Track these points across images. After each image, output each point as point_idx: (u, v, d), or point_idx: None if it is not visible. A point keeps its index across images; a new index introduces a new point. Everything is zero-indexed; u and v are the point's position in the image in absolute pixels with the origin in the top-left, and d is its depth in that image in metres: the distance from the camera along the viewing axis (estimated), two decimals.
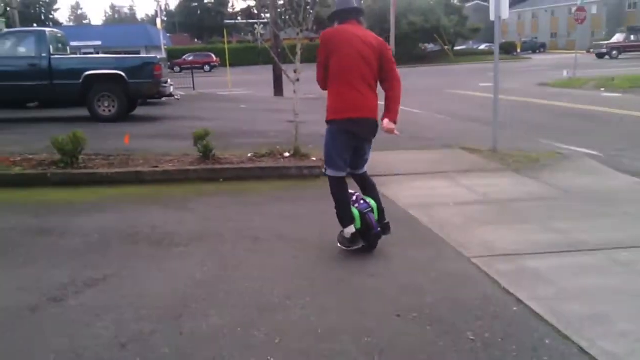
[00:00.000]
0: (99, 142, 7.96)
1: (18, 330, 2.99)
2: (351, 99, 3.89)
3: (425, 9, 45.35)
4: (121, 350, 2.77)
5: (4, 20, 18.78)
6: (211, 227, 4.82)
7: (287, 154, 7.23)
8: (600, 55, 39.95)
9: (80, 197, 5.84)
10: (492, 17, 7.88)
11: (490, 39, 40.15)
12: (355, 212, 4.06)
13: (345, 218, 4.07)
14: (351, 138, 4.01)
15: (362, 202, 4.15)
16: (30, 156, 7.23)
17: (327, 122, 4.05)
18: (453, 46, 50.39)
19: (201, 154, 6.99)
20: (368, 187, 4.30)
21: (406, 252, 4.13)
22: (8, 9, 13.84)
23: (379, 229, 4.08)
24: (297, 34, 7.16)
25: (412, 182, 6.39)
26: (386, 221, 4.23)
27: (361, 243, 4.12)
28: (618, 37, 41.24)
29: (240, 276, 3.72)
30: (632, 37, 40.22)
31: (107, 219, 5.10)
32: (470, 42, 58.31)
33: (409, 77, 28.27)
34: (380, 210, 4.21)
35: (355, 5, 4.12)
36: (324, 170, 4.29)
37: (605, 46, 41.03)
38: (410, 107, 14.24)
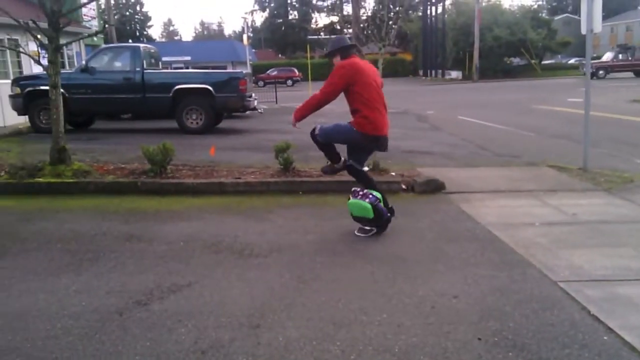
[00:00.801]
0: (186, 153, 8.29)
1: (107, 331, 3.15)
2: (379, 121, 4.90)
3: (511, 22, 44.10)
4: (201, 357, 2.85)
5: (102, 36, 20.05)
6: (290, 239, 4.88)
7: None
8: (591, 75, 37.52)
9: (167, 206, 6.10)
10: (583, 31, 7.54)
11: (581, 53, 38.44)
12: (367, 205, 4.76)
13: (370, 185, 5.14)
14: (372, 147, 5.22)
15: (371, 196, 4.84)
16: (123, 165, 7.65)
17: (361, 132, 4.91)
18: (540, 60, 48.64)
19: (282, 167, 7.12)
20: (371, 181, 5.25)
21: (489, 273, 4.00)
22: (106, 25, 14.79)
23: (388, 214, 4.94)
24: (380, 48, 7.17)
25: (494, 200, 6.19)
26: (390, 206, 5.07)
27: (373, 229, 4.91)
28: (608, 56, 38.47)
29: (317, 289, 3.74)
30: (621, 56, 37.55)
31: (191, 227, 5.29)
32: (559, 56, 56.08)
33: (493, 92, 27.59)
34: (384, 197, 5.00)
35: (351, 42, 5.23)
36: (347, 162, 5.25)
37: (592, 65, 38.80)
38: (493, 122, 13.88)
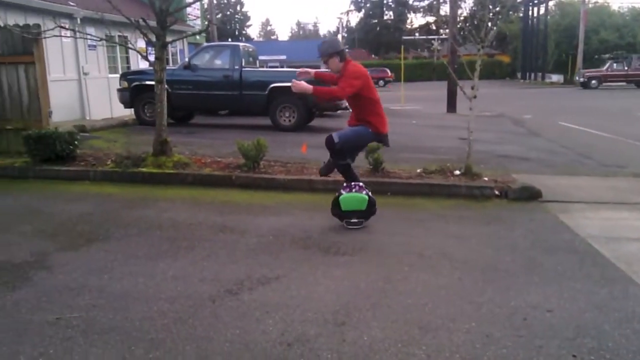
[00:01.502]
0: (278, 150, 8.49)
1: (199, 317, 3.29)
2: (385, 120, 5.32)
3: (620, 25, 41.48)
4: (287, 350, 2.91)
5: (204, 34, 20.93)
6: (377, 239, 4.88)
7: (457, 172, 7.06)
8: (584, 85, 35.16)
9: (259, 200, 6.27)
10: None
11: None
12: (365, 197, 5.12)
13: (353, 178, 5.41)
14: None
15: (364, 188, 5.23)
16: (219, 159, 7.95)
17: (374, 133, 5.26)
18: None
19: (371, 167, 7.11)
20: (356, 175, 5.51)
21: (587, 288, 3.79)
22: (208, 24, 15.44)
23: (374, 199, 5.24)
24: (478, 50, 6.97)
25: (596, 212, 5.85)
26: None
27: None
28: (608, 65, 35.58)
29: (403, 291, 3.71)
30: (615, 66, 35.64)
31: (281, 222, 5.41)
32: None
33: (598, 98, 26.08)
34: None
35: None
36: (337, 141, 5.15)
37: (583, 75, 35.92)
38: (597, 129, 13.11)
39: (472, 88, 7.10)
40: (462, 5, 62.54)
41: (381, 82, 46.09)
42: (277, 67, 31.36)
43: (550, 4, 46.69)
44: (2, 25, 8.15)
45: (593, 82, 35.22)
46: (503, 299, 3.60)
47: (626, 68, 35.38)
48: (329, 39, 5.79)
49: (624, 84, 35.01)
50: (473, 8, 59.53)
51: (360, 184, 5.30)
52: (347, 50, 5.45)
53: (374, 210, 5.21)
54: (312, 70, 5.85)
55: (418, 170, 7.25)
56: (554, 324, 3.24)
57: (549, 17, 46.39)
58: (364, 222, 5.20)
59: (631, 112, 17.97)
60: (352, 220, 5.17)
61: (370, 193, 5.22)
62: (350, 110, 5.53)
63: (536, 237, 4.99)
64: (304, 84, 5.04)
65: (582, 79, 35.99)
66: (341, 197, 5.15)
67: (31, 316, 3.29)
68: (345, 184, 5.32)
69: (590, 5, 42.99)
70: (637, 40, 40.83)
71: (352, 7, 75.50)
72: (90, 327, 3.15)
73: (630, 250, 4.59)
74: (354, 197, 5.13)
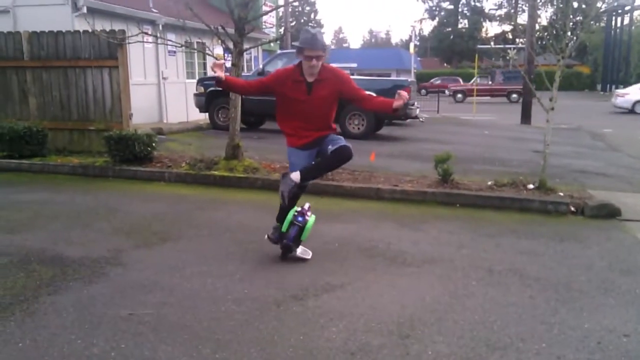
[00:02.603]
0: None
1: (264, 320, 3.35)
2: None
3: None
4: (350, 358, 2.91)
5: (278, 42, 21.33)
6: (444, 252, 4.79)
7: (531, 186, 6.83)
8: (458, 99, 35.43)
9: (325, 206, 6.30)
10: None
11: None
12: (289, 217, 4.33)
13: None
14: None
15: (301, 218, 4.36)
16: (287, 164, 8.04)
17: None
18: None
19: (440, 177, 7.00)
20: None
21: None
22: (283, 33, 15.73)
23: (289, 242, 4.38)
24: (558, 60, 6.73)
25: None
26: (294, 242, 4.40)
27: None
28: (474, 80, 34.87)
29: (470, 307, 3.62)
30: (479, 80, 35.99)
31: (347, 229, 5.41)
32: None
33: None
34: (306, 231, 4.36)
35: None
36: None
37: (449, 88, 37.01)
38: None
39: (550, 100, 6.86)
40: (541, 13, 60.61)
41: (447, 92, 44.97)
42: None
43: (636, 14, 44.54)
44: (90, 30, 8.62)
45: (459, 95, 37.42)
46: (576, 320, 3.45)
47: (490, 82, 37.83)
48: (314, 30, 4.25)
49: (488, 98, 35.98)
50: (553, 17, 57.55)
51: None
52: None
53: (284, 243, 4.44)
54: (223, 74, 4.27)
55: (489, 183, 7.07)
56: (630, 350, 3.07)
57: (633, 27, 44.18)
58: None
59: None
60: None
61: (298, 225, 4.36)
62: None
63: (613, 257, 4.75)
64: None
65: (450, 94, 37.87)
66: (310, 222, 4.39)
67: (105, 310, 3.44)
68: (300, 210, 4.44)
69: None
70: None
71: (426, 15, 74.76)
72: (161, 324, 3.26)
73: None
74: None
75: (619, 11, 45.43)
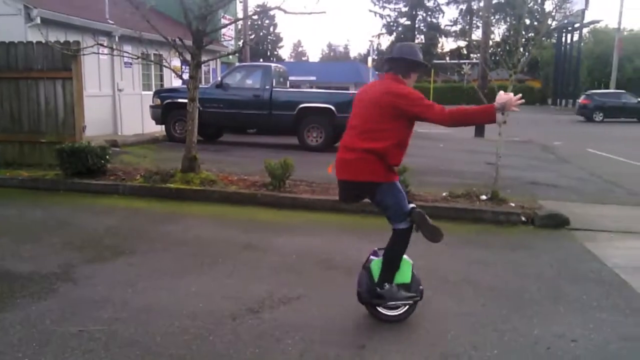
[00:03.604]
0: (305, 169, 8.51)
1: (220, 334, 3.31)
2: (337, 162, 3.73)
3: None
4: None
5: (237, 54, 21.27)
6: None
7: (484, 197, 6.99)
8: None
9: (283, 219, 6.30)
10: None
11: None
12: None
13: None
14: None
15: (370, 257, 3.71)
16: (245, 177, 8.03)
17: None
18: None
19: None
20: None
21: (613, 319, 3.70)
22: (242, 45, 15.68)
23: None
24: (510, 75, 6.95)
25: (625, 241, 5.73)
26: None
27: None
28: None
29: (425, 316, 3.67)
30: None
31: (305, 241, 5.42)
32: None
33: (630, 126, 25.57)
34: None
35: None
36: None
37: None
38: (628, 157, 12.86)
39: (502, 113, 7.04)
40: (495, 30, 62.41)
41: None
42: (306, 87, 31.65)
43: (585, 31, 46.24)
44: (43, 41, 8.43)
45: None
46: (527, 327, 3.54)
47: None
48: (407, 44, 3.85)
49: None
50: (506, 33, 59.31)
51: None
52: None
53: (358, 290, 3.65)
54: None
55: (444, 194, 7.20)
56: (578, 355, 3.17)
57: (582, 44, 45.93)
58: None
59: None
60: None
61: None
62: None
63: (562, 265, 4.90)
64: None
65: None
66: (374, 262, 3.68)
67: (55, 327, 3.34)
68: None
69: (625, 33, 42.45)
70: None
71: (384, 30, 75.81)
72: (112, 341, 3.19)
73: None
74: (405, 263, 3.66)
75: (569, 28, 47.15)
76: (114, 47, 11.85)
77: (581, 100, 29.71)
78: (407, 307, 3.58)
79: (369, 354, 3.09)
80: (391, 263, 3.55)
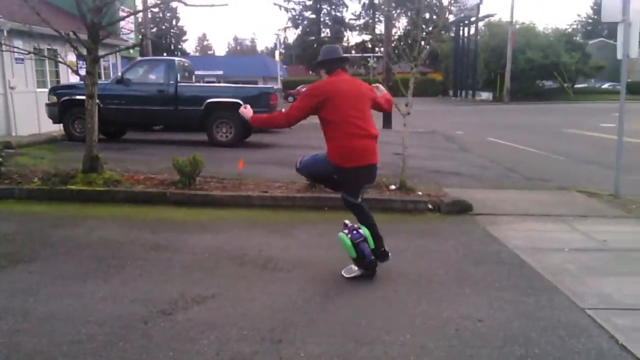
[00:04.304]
0: (215, 166, 8.38)
1: (130, 339, 3.18)
2: (354, 151, 4.42)
3: (544, 45, 43.66)
4: None
5: (138, 48, 20.49)
6: (314, 255, 4.89)
7: (393, 187, 7.20)
8: None
9: (194, 217, 6.16)
10: (619, 56, 7.44)
11: (616, 78, 37.70)
12: (348, 241, 4.21)
13: None
14: (353, 181, 4.59)
15: (354, 232, 4.29)
16: (152, 175, 7.77)
17: (333, 164, 4.42)
18: (573, 84, 47.99)
19: (308, 182, 7.13)
20: (365, 215, 4.57)
21: (515, 298, 3.93)
22: (143, 39, 15.12)
23: (372, 257, 4.23)
24: (412, 68, 7.18)
25: (523, 224, 6.10)
26: (383, 249, 4.41)
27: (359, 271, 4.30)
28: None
29: (340, 306, 3.73)
30: None
31: (217, 239, 5.33)
32: (592, 80, 55.26)
33: (524, 115, 27.31)
34: (378, 239, 4.37)
35: (341, 54, 4.60)
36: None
37: (286, 92, 39.35)
38: (523, 144, 13.72)
39: (406, 105, 7.28)
40: (397, 24, 64.35)
41: None
42: (213, 82, 31.11)
43: (480, 24, 48.66)
44: None
45: (290, 98, 37.15)
46: (436, 310, 3.69)
47: None
48: (323, 48, 4.60)
49: None
50: (407, 27, 61.34)
51: (354, 225, 4.41)
52: (334, 58, 4.47)
53: (371, 261, 4.24)
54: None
55: None
56: (483, 334, 3.34)
57: (478, 37, 48.33)
58: (359, 273, 4.30)
59: (554, 128, 18.92)
60: (352, 267, 4.34)
61: (362, 241, 4.23)
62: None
63: (467, 249, 5.15)
64: (245, 110, 4.49)
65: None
66: (339, 235, 4.36)
67: None
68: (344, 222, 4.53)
69: (517, 26, 45.08)
70: (560, 60, 43.05)
71: (290, 24, 75.98)
72: (14, 353, 2.98)
73: (555, 260, 4.80)
74: (342, 239, 4.27)
75: (466, 22, 49.50)
76: (2, 42, 11.07)
77: None
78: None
79: (286, 347, 3.10)
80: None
